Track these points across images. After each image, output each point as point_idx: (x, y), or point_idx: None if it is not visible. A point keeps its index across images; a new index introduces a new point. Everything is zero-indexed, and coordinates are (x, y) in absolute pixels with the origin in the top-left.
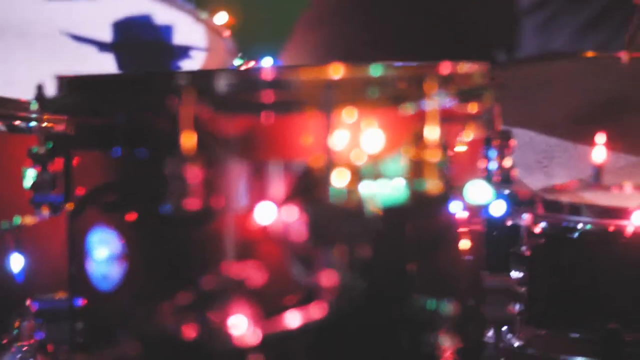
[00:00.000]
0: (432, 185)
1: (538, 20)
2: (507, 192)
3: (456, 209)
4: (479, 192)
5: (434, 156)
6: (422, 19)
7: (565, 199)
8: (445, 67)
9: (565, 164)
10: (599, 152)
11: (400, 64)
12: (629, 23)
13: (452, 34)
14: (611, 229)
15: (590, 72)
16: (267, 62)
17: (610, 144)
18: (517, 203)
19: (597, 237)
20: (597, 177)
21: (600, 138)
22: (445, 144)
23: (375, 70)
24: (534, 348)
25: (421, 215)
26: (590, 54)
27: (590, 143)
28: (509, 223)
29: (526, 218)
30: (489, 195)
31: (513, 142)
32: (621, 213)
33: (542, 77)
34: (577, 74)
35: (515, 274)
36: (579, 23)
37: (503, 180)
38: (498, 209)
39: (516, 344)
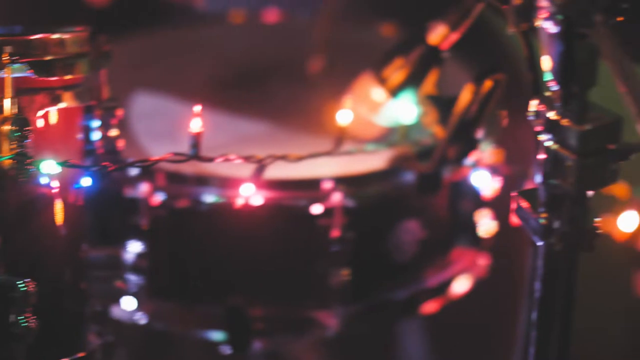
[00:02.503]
0: (6, 157)
1: None
2: (113, 162)
3: (44, 180)
4: (51, 166)
5: (10, 127)
6: None
7: (188, 169)
8: (31, 36)
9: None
10: (197, 121)
11: None
12: None
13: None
14: (228, 200)
15: (235, 36)
16: None
17: (252, 111)
18: (133, 173)
19: (215, 208)
20: (194, 147)
21: (198, 107)
22: (27, 115)
23: None
24: (159, 322)
25: None
26: (238, 18)
27: (234, 109)
28: (127, 194)
29: (144, 189)
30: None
31: (120, 111)
32: (234, 183)
33: (182, 42)
34: (220, 38)
35: (133, 247)
36: None
37: (107, 151)
38: (94, 180)
39: (140, 319)
